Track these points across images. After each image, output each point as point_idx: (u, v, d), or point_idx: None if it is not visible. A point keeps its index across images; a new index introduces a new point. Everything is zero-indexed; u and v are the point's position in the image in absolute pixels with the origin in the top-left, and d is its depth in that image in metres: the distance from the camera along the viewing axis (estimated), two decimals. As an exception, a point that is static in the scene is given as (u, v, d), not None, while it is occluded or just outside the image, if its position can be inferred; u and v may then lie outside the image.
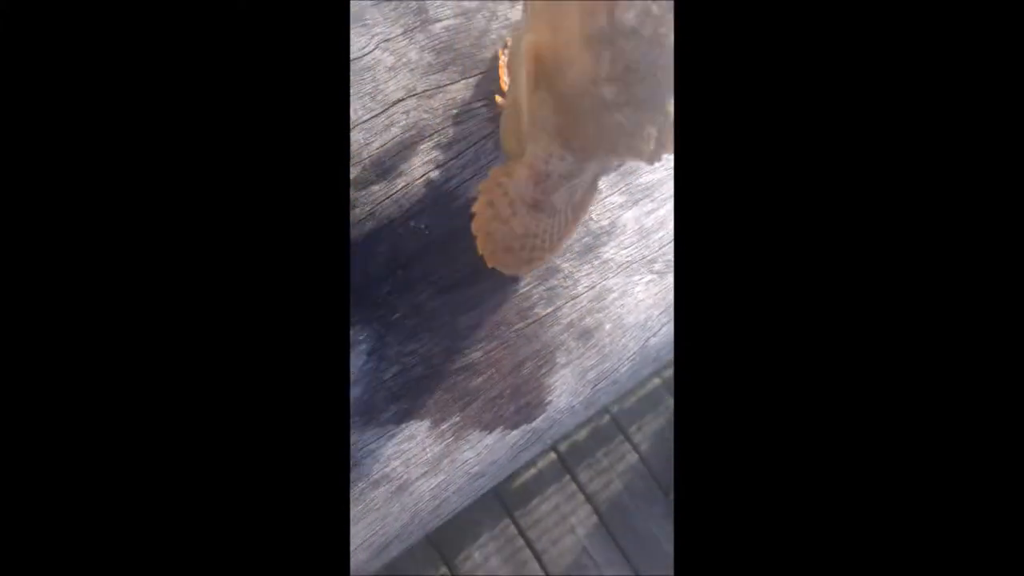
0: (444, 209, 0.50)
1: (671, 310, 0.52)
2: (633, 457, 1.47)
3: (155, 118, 0.23)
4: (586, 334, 0.50)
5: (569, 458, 1.43)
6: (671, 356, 0.54)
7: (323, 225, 0.24)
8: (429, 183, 0.51)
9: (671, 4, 0.32)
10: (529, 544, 1.35)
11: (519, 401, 0.47)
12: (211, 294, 0.23)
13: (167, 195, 0.23)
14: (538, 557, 1.35)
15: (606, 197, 0.54)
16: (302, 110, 0.24)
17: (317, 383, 0.23)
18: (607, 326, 0.51)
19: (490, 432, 0.46)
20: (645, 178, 0.55)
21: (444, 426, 0.45)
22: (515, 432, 0.47)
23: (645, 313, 0.51)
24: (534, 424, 0.48)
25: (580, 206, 0.45)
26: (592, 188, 0.45)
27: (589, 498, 1.41)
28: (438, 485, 0.45)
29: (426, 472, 0.44)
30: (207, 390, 0.22)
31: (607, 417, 1.45)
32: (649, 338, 0.51)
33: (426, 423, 0.45)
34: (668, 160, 0.56)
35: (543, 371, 0.49)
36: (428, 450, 0.45)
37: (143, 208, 0.22)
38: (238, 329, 0.23)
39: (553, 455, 1.41)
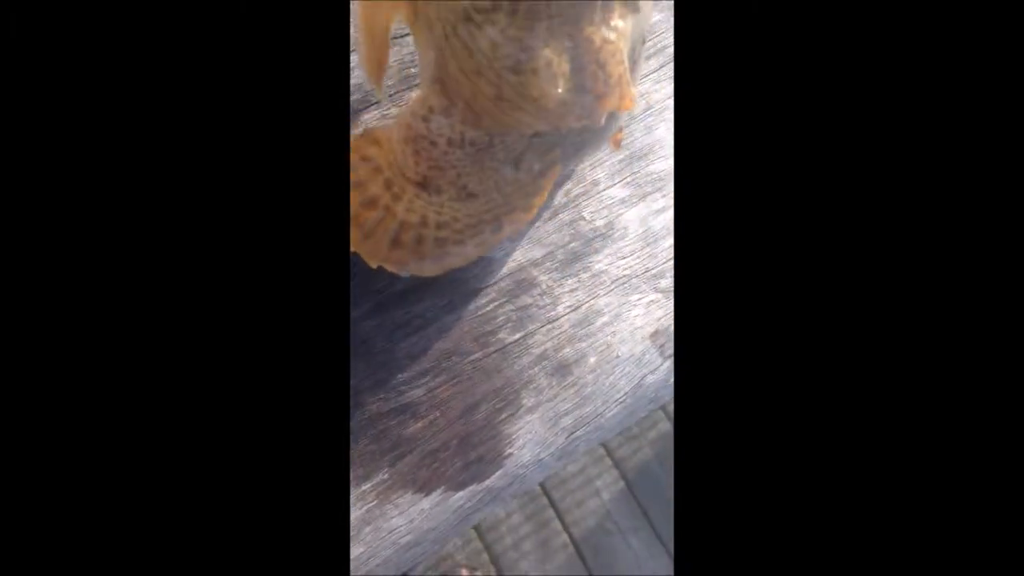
0: (389, 201, 0.37)
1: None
2: (665, 425, 1.37)
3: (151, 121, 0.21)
4: (563, 369, 0.38)
5: (599, 421, 1.33)
6: (671, 396, 0.41)
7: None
8: (374, 166, 0.38)
9: None
10: (552, 503, 1.28)
11: (469, 455, 0.36)
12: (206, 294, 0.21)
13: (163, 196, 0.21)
14: (561, 517, 1.27)
15: (605, 189, 0.40)
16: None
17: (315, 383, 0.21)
18: (591, 359, 0.38)
19: (427, 494, 0.35)
20: (657, 166, 0.41)
21: (366, 486, 0.34)
22: (461, 493, 0.36)
23: (642, 344, 0.38)
24: (487, 483, 0.36)
25: (524, 186, 0.31)
26: (548, 167, 0.32)
27: (617, 463, 1.33)
28: (357, 558, 0.34)
29: (340, 542, 0.34)
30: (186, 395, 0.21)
31: (640, 383, 1.34)
32: (646, 375, 0.38)
33: (344, 480, 0.34)
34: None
35: (503, 416, 0.37)
36: (344, 515, 0.34)
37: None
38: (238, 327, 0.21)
39: (582, 418, 1.32)
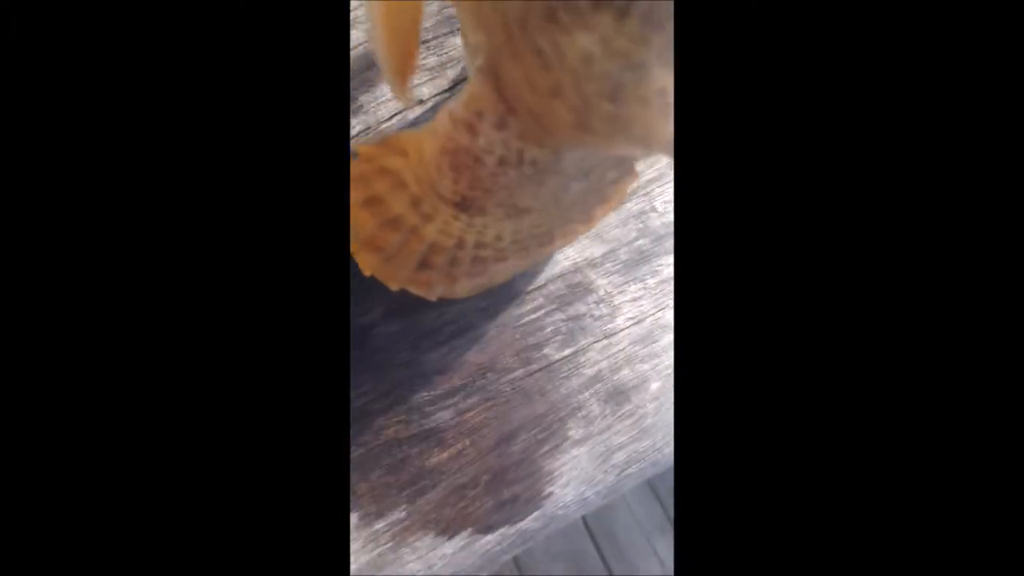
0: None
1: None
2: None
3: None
4: (620, 395, 0.31)
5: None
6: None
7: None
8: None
9: None
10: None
11: (502, 493, 0.30)
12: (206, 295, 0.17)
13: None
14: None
15: (683, 176, 0.33)
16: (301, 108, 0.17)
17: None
18: (654, 384, 0.32)
19: (450, 537, 0.29)
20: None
21: (379, 525, 0.29)
22: (490, 537, 0.30)
23: (716, 369, 0.32)
24: (521, 525, 0.31)
25: (588, 196, 0.25)
26: (624, 173, 0.25)
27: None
28: (364, 608, 0.29)
29: (346, 590, 0.28)
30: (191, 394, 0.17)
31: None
32: (716, 406, 0.32)
33: (353, 517, 0.29)
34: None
35: (545, 449, 0.31)
36: (353, 559, 0.28)
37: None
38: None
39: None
